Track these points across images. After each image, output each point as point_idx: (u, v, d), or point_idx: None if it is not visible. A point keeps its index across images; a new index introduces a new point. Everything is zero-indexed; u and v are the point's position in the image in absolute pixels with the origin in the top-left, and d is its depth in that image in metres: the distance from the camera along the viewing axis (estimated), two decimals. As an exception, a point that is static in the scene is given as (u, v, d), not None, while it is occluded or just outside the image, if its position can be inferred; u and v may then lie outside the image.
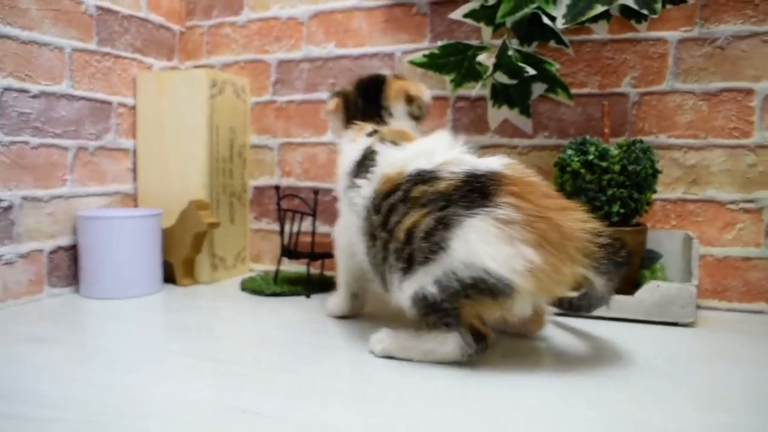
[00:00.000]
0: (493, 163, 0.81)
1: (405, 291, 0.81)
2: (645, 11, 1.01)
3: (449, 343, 0.79)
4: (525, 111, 1.19)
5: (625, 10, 1.08)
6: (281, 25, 1.51)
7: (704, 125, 1.19)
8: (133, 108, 1.45)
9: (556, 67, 1.11)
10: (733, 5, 1.17)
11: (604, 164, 1.05)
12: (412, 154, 0.87)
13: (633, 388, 0.76)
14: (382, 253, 0.85)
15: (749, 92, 1.17)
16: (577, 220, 0.75)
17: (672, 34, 1.20)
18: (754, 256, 1.17)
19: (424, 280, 0.78)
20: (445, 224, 0.76)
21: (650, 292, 1.05)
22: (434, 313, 0.79)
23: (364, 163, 0.94)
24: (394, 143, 0.93)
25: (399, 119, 1.06)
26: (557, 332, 1.00)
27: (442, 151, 0.85)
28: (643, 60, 1.22)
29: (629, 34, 1.22)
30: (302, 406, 0.69)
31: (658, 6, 1.00)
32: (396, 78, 1.10)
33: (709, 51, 1.19)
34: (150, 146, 1.43)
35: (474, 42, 1.17)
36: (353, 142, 1.03)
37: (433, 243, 0.76)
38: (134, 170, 1.46)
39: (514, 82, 1.10)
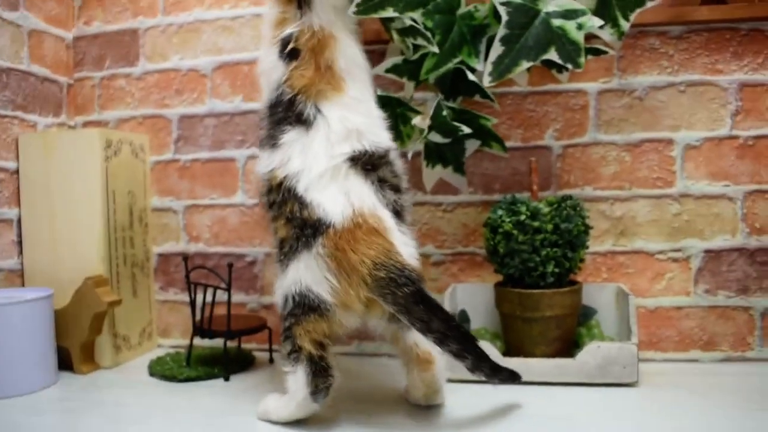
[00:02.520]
0: (343, 209, 0.86)
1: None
2: (569, 65, 0.98)
3: (299, 374, 0.87)
4: (459, 169, 1.15)
5: (546, 61, 1.05)
6: (182, 77, 1.40)
7: (628, 176, 1.18)
8: (16, 173, 1.30)
9: (492, 122, 1.07)
10: (649, 56, 1.17)
11: (536, 224, 1.01)
12: (301, 166, 0.88)
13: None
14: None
15: (669, 142, 1.17)
16: (364, 255, 0.83)
17: (591, 86, 1.19)
18: (685, 305, 1.17)
19: (279, 288, 0.90)
20: (293, 250, 0.88)
21: (591, 354, 1.01)
22: (285, 336, 0.90)
23: (275, 129, 0.93)
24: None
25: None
26: (514, 401, 0.94)
27: (320, 179, 0.87)
28: (564, 112, 1.20)
29: (549, 86, 1.20)
30: None
31: (583, 60, 0.97)
32: None
33: (629, 102, 1.18)
34: (37, 215, 1.28)
35: (402, 97, 1.10)
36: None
37: (286, 262, 0.89)
38: (20, 243, 1.30)
39: (447, 140, 1.05)
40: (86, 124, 1.46)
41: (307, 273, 0.86)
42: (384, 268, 0.82)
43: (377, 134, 0.91)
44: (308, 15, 0.91)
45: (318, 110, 0.89)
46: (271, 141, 0.92)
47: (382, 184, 0.89)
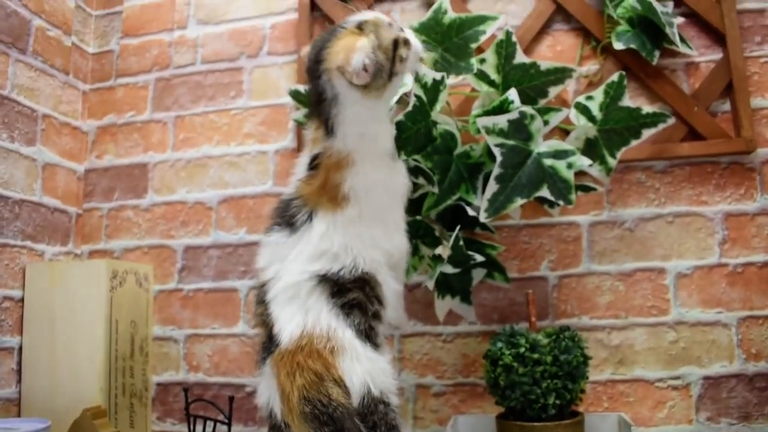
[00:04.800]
0: (294, 329, 0.88)
1: None
2: (561, 202, 1.03)
3: None
4: (466, 299, 1.18)
5: (539, 197, 1.10)
6: (188, 210, 1.45)
7: (624, 305, 1.21)
8: (21, 301, 1.31)
9: (499, 250, 1.13)
10: (636, 190, 1.23)
11: (535, 356, 1.02)
12: (274, 274, 0.92)
13: None
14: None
15: (661, 271, 1.21)
16: (294, 384, 0.85)
17: (583, 218, 1.25)
18: (688, 435, 1.16)
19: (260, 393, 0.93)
20: (262, 358, 0.92)
21: (596, 490, 0.99)
22: None
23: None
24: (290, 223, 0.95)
25: (352, 109, 0.91)
26: None
27: (284, 293, 0.90)
28: (558, 243, 1.25)
29: (543, 219, 1.26)
30: None
31: (573, 197, 1.02)
32: (351, 33, 0.91)
33: (620, 233, 1.23)
34: (38, 344, 1.28)
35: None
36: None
37: (260, 368, 0.92)
38: (18, 371, 1.29)
39: (457, 271, 1.08)
40: (92, 253, 1.50)
41: (267, 387, 0.89)
42: (309, 403, 0.83)
43: (360, 257, 0.90)
44: (333, 139, 0.93)
45: (309, 218, 0.91)
46: (266, 231, 0.96)
47: (349, 307, 0.89)
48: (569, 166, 1.03)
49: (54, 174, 1.45)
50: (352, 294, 0.90)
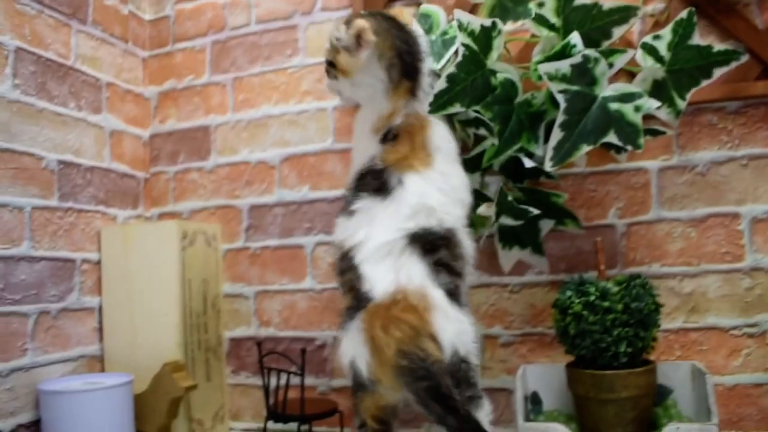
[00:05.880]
0: (388, 285, 0.88)
1: None
2: (629, 147, 1.00)
3: None
4: (538, 249, 1.17)
5: (606, 143, 1.07)
6: (252, 170, 1.48)
7: (696, 252, 1.18)
8: (98, 263, 1.37)
9: (564, 199, 1.11)
10: (708, 132, 1.18)
11: (606, 304, 1.01)
12: (364, 237, 0.93)
13: None
14: None
15: (735, 216, 1.17)
16: (392, 337, 0.85)
17: (652, 164, 1.21)
18: (765, 382, 1.13)
19: (342, 355, 0.93)
20: (347, 320, 0.92)
21: (671, 436, 0.98)
22: (354, 410, 0.94)
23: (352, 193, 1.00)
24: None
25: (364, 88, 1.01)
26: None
27: (377, 252, 0.91)
28: (626, 190, 1.22)
29: (609, 166, 1.23)
30: None
31: (642, 141, 0.99)
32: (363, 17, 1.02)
33: (690, 178, 1.19)
34: (117, 303, 1.34)
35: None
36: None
37: (343, 331, 0.92)
38: (100, 329, 1.36)
39: (520, 222, 1.07)
40: (162, 216, 1.55)
41: (352, 345, 0.89)
42: (406, 356, 0.83)
43: (448, 212, 0.94)
44: (413, 105, 1.00)
45: (401, 182, 0.94)
46: (348, 207, 0.97)
47: (437, 266, 0.91)
48: (636, 109, 1.00)
49: (121, 140, 1.49)
50: (440, 253, 0.92)
